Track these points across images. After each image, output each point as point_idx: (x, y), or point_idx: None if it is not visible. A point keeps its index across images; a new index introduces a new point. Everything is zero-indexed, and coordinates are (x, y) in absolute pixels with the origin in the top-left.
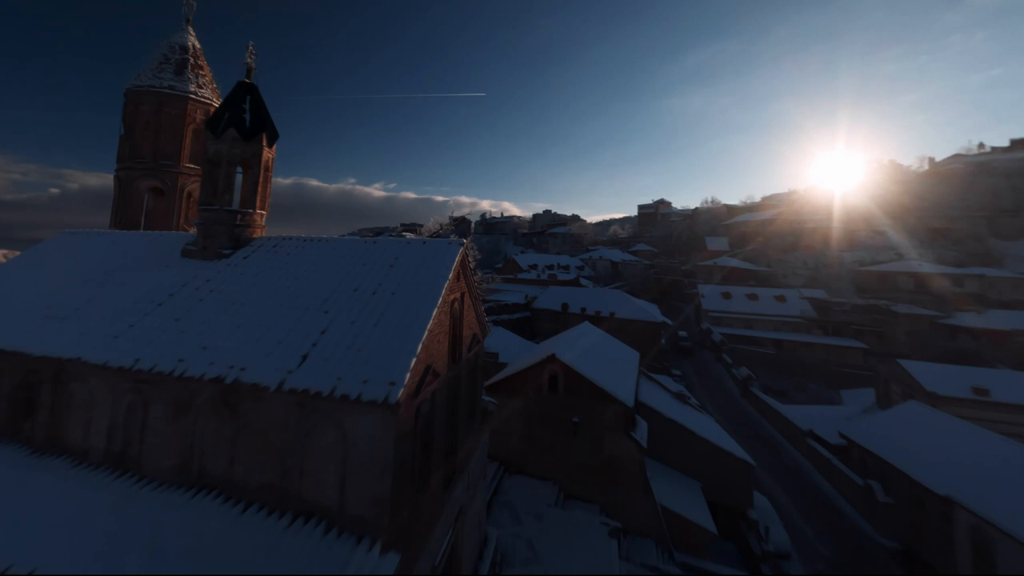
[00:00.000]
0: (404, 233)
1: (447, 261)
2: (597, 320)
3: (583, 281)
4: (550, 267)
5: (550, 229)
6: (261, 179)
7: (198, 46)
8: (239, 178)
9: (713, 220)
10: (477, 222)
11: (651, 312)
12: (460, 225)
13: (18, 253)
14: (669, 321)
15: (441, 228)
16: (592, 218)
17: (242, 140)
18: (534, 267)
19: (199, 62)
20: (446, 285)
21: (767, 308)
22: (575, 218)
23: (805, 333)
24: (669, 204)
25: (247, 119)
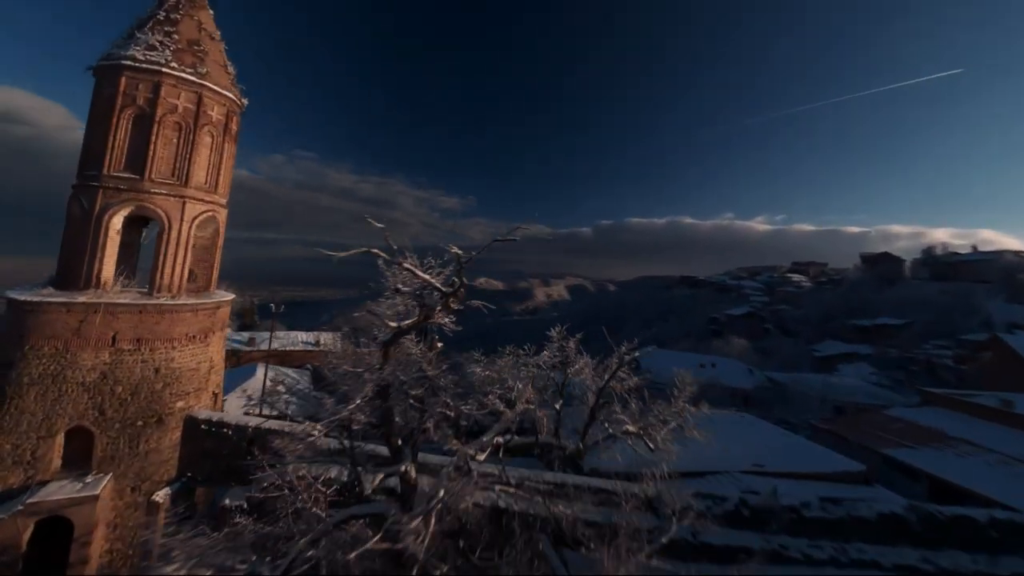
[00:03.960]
0: (791, 275)
1: None
2: None
3: None
4: None
5: None
6: None
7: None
8: None
9: None
10: (917, 260)
11: None
12: (880, 264)
13: None
14: None
15: (851, 268)
16: None
17: None
18: None
19: (181, 15)
20: None
21: None
22: None
23: None
24: None
25: None
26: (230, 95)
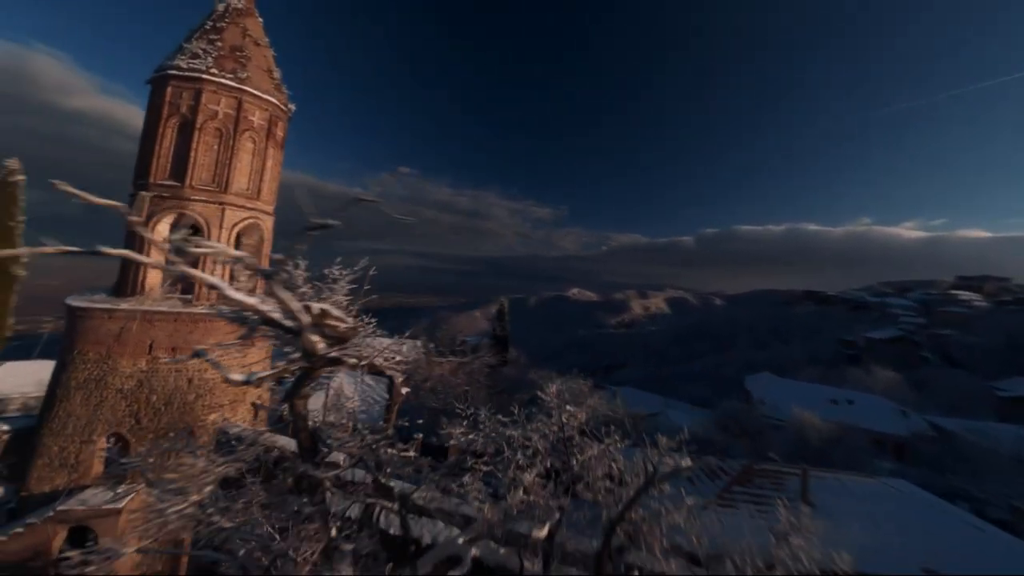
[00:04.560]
0: (957, 291)
1: None
2: None
3: None
4: None
5: None
6: None
7: (240, 5)
8: None
9: None
10: None
11: None
12: None
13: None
14: None
15: None
16: None
17: None
18: None
19: (229, 24)
20: None
21: None
22: None
23: None
24: None
25: None
26: (272, 99)
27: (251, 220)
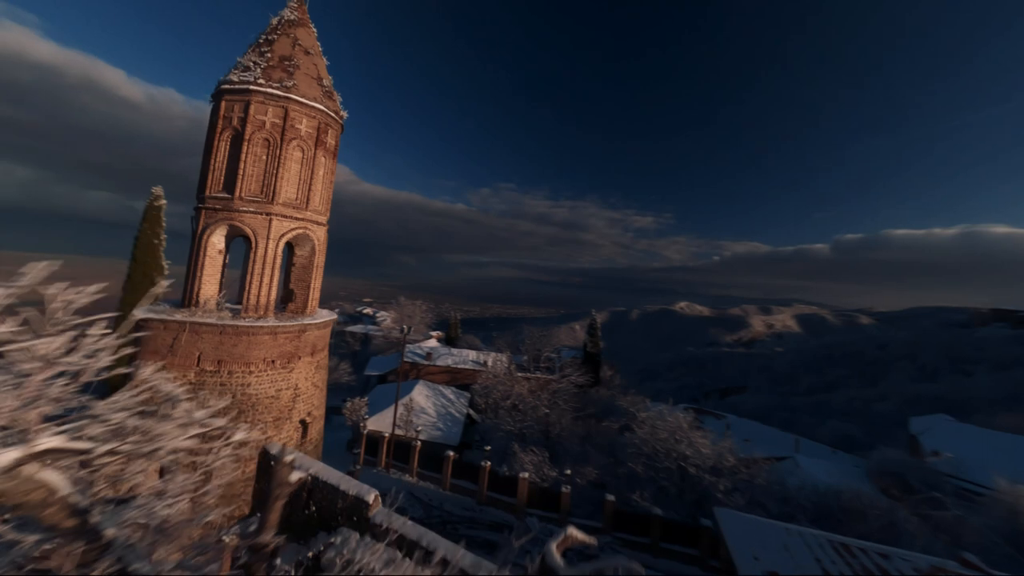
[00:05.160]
0: None
1: None
2: None
3: None
4: None
5: None
6: None
7: (292, 17)
8: None
9: None
10: None
11: None
12: None
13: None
14: None
15: None
16: None
17: None
18: None
19: (283, 36)
20: None
21: None
22: None
23: None
24: None
25: None
26: (320, 106)
27: (300, 230)
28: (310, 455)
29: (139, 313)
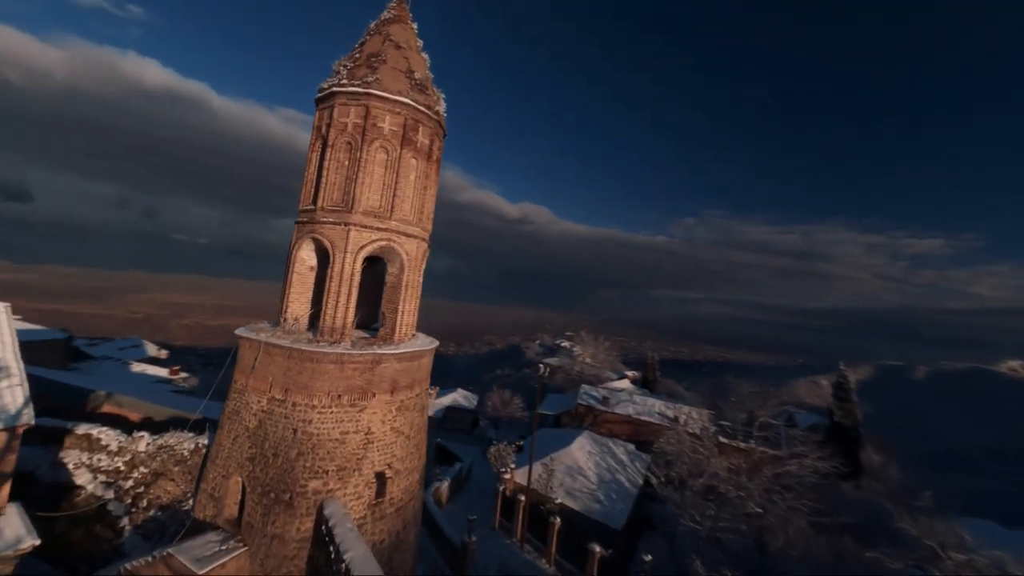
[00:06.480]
0: None
1: None
2: None
3: None
4: None
5: None
6: None
7: (388, 16)
8: None
9: None
10: None
11: None
12: None
13: None
14: None
15: None
16: None
17: None
18: None
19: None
20: None
21: None
22: None
23: None
24: None
25: None
26: (405, 100)
27: (383, 242)
28: (387, 520)
29: (240, 331)
